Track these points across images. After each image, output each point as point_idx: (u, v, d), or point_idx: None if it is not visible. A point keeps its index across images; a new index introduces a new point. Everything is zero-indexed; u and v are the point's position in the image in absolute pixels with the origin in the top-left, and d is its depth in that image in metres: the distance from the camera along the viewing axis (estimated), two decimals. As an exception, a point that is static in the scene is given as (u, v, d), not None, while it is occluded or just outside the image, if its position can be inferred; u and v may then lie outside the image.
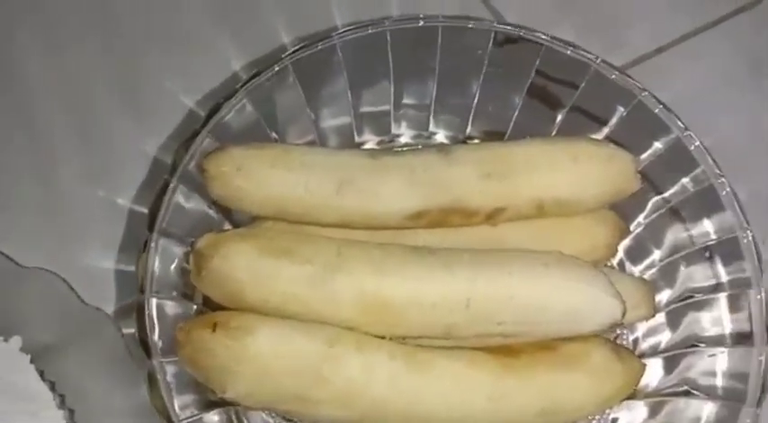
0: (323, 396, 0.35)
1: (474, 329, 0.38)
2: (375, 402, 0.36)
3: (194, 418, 0.34)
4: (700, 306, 0.41)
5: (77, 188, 0.48)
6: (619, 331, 0.44)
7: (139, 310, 0.35)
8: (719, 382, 0.39)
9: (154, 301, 0.35)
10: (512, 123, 0.46)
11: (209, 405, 0.36)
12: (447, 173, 0.39)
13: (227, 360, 0.34)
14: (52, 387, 0.42)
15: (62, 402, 0.42)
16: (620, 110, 0.43)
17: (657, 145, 0.42)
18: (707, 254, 0.41)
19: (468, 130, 0.47)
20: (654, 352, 0.43)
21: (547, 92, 0.45)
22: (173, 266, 0.37)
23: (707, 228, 0.42)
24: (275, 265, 0.36)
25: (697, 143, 0.41)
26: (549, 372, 0.39)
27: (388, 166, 0.39)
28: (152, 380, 0.34)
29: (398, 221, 0.40)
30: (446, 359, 0.38)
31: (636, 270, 0.45)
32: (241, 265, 0.36)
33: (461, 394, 0.37)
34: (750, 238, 0.40)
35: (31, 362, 0.42)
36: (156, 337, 0.35)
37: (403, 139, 0.48)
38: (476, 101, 0.46)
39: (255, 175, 0.37)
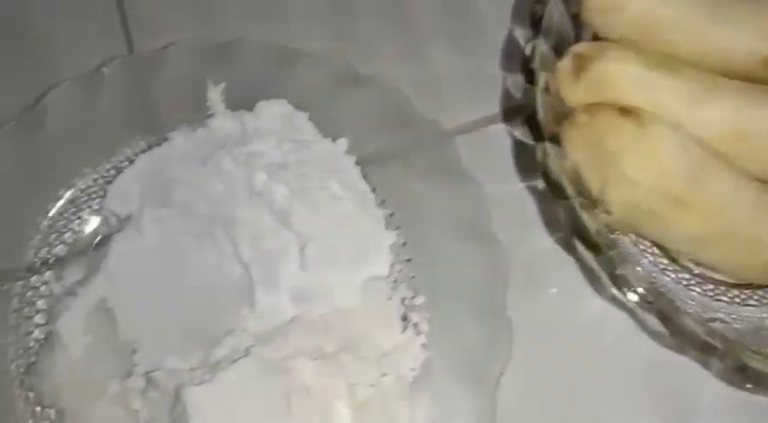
0: (696, 203, 0.36)
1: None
2: (733, 223, 0.37)
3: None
4: None
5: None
6: None
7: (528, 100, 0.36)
8: None
9: (540, 92, 0.36)
10: None
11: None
12: None
13: (627, 141, 0.35)
14: (374, 190, 0.44)
15: (383, 203, 0.44)
16: None
17: None
18: None
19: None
20: None
21: None
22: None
23: None
24: (656, 75, 0.37)
25: None
26: None
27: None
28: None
29: (755, 66, 0.39)
30: None
31: None
32: (622, 70, 0.37)
33: None
34: None
35: (357, 164, 0.45)
36: (544, 116, 0.36)
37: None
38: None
39: None
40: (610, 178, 0.35)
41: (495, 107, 0.47)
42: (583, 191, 0.35)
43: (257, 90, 0.46)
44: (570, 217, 0.33)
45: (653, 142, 0.35)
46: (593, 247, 0.32)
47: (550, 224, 0.44)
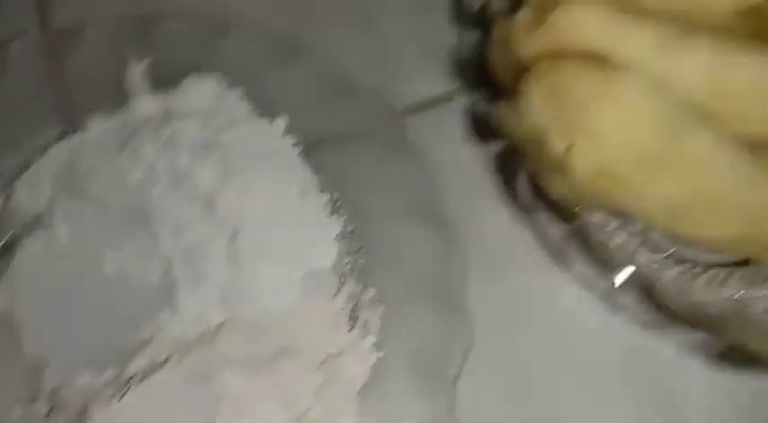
0: (668, 163, 0.31)
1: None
2: (712, 183, 0.32)
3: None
4: None
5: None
6: None
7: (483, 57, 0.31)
8: None
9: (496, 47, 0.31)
10: None
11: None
12: None
13: (597, 93, 0.30)
14: (317, 173, 0.39)
15: (326, 188, 0.39)
16: None
17: None
18: None
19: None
20: None
21: None
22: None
23: None
24: (625, 21, 0.32)
25: None
26: None
27: None
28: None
29: (724, 16, 0.35)
30: None
31: None
32: (587, 15, 0.32)
33: None
34: None
35: (297, 145, 0.39)
36: (501, 71, 0.31)
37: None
38: None
39: None
40: (575, 135, 0.30)
41: (451, 79, 0.41)
42: (545, 155, 0.30)
43: (185, 66, 0.41)
44: (534, 183, 0.28)
45: (623, 92, 0.31)
46: (564, 213, 0.27)
47: (509, 199, 0.39)
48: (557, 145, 0.30)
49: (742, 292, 0.37)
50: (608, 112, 0.31)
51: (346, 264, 0.37)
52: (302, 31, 0.41)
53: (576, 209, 0.28)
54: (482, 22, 0.32)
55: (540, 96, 0.31)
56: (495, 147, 0.31)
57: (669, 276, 0.37)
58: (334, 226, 0.38)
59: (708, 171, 0.32)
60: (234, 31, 0.41)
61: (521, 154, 0.29)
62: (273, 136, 0.39)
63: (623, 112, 0.31)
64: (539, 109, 0.31)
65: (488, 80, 0.31)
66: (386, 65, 0.42)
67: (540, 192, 0.29)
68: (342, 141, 0.39)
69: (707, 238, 0.34)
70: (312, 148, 0.39)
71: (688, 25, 0.34)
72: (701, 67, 0.32)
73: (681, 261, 0.38)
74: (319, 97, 0.40)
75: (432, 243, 0.35)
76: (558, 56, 0.31)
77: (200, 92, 0.40)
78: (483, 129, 0.34)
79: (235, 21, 0.41)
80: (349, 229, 0.38)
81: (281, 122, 0.40)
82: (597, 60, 0.31)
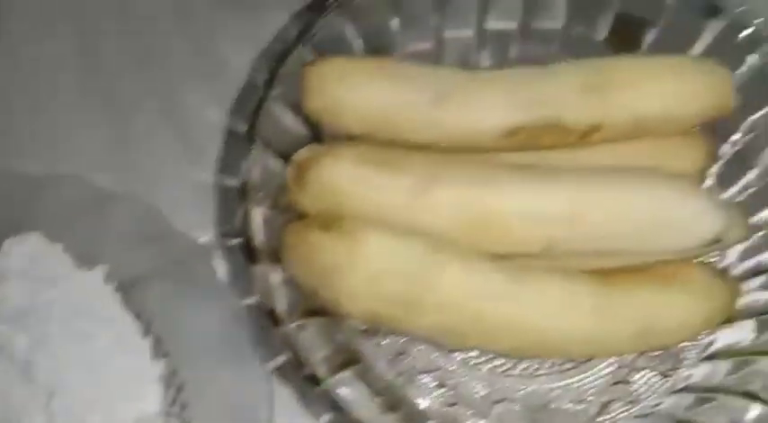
0: (429, 302, 0.35)
1: (577, 245, 0.37)
2: (478, 312, 0.36)
3: (300, 323, 0.34)
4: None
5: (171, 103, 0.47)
6: (711, 258, 0.44)
7: (243, 219, 0.35)
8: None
9: (258, 209, 0.34)
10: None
11: (310, 314, 0.35)
12: (547, 86, 0.38)
13: (340, 258, 0.34)
14: (138, 316, 0.42)
15: (148, 331, 0.41)
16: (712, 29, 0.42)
17: (752, 59, 0.41)
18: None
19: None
20: (754, 273, 0.41)
21: (632, 16, 0.45)
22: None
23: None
24: (376, 174, 0.36)
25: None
26: (648, 288, 0.38)
27: (487, 80, 0.39)
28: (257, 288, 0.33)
29: (493, 139, 0.39)
30: (547, 273, 0.37)
31: (727, 195, 0.44)
32: (342, 173, 0.35)
33: (565, 306, 0.37)
34: None
35: (117, 291, 0.42)
36: (260, 240, 0.34)
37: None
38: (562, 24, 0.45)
39: (356, 85, 0.37)
40: (333, 295, 0.33)
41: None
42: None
43: (6, 226, 0.43)
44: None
45: (362, 252, 0.34)
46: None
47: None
48: (328, 302, 0.33)
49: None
50: (352, 275, 0.34)
51: (171, 405, 0.40)
52: (117, 178, 0.44)
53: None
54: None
55: (293, 264, 0.34)
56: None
57: (481, 375, 0.41)
58: (157, 369, 0.40)
59: (471, 298, 0.35)
60: (51, 185, 0.43)
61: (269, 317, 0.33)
62: (94, 286, 0.42)
63: (367, 271, 0.34)
64: (297, 275, 0.34)
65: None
66: (198, 204, 0.43)
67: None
68: (157, 282, 0.41)
69: (499, 353, 0.38)
70: (132, 293, 0.42)
71: (447, 160, 0.37)
72: (454, 202, 0.36)
73: (493, 356, 0.41)
74: (135, 241, 0.42)
75: (242, 382, 0.38)
76: (304, 222, 0.34)
77: (21, 251, 0.42)
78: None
79: (51, 175, 0.43)
80: (171, 369, 0.40)
81: (101, 271, 0.42)
82: (333, 225, 0.34)
